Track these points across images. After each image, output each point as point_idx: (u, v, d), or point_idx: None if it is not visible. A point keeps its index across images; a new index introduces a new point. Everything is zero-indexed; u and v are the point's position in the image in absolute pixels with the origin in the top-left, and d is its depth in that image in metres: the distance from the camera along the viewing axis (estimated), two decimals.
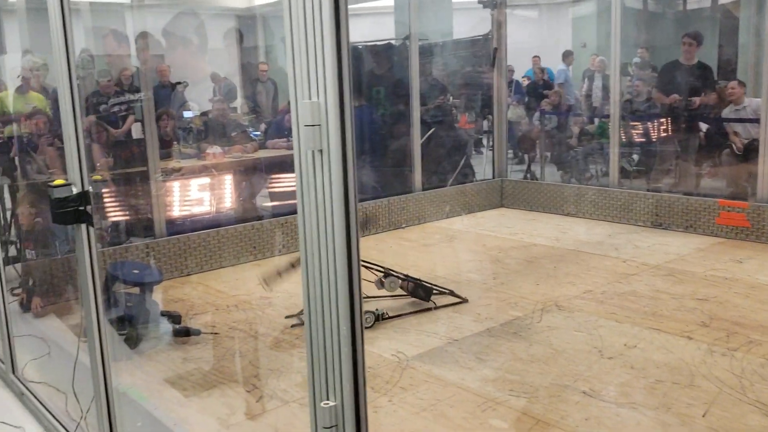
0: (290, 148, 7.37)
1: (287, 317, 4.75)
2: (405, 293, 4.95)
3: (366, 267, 4.70)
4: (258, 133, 8.37)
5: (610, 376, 3.72)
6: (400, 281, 4.87)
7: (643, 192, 7.25)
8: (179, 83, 7.51)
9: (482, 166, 9.26)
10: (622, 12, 7.58)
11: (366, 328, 4.43)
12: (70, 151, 2.73)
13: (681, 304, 4.77)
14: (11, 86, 6.73)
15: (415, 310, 4.83)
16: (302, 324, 4.53)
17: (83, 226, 2.76)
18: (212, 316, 4.91)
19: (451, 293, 5.03)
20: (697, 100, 7.26)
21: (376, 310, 4.67)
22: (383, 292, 4.83)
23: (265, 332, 4.56)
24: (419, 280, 4.98)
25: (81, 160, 2.73)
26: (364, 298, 4.58)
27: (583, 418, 3.31)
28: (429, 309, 4.85)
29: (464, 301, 4.97)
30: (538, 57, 11.51)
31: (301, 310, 4.59)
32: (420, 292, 4.91)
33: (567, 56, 11.51)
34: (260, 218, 6.62)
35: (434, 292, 4.96)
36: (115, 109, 6.42)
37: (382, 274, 4.81)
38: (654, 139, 7.96)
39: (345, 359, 1.58)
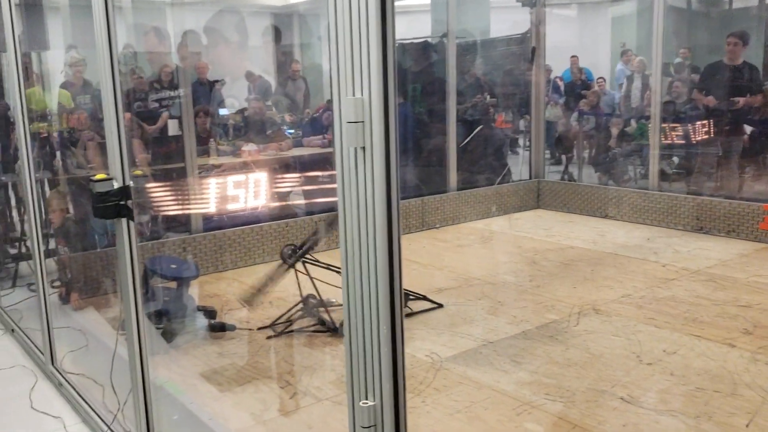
0: (325, 146, 7.40)
1: (260, 328, 4.57)
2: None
3: (328, 269, 4.49)
4: (291, 130, 8.40)
5: (649, 383, 3.65)
6: None
7: (683, 195, 7.11)
8: (217, 81, 7.56)
9: (518, 166, 9.18)
10: (665, 11, 7.45)
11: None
12: (112, 147, 2.75)
13: (723, 310, 4.67)
14: (54, 82, 6.83)
15: None
16: (277, 335, 4.43)
17: (123, 221, 2.78)
18: (247, 312, 4.92)
19: (425, 298, 4.91)
20: (740, 100, 7.10)
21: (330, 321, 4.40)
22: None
23: (299, 329, 4.56)
24: None
25: (122, 155, 2.75)
26: (330, 306, 4.50)
27: (620, 424, 3.25)
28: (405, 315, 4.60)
29: (439, 306, 4.87)
30: (577, 57, 11.37)
31: (275, 320, 4.52)
32: None
33: (625, 54, 11.25)
34: (295, 215, 6.63)
35: (410, 297, 4.81)
36: (154, 105, 6.48)
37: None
38: (695, 141, 7.81)
39: (385, 359, 1.56)
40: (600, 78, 10.95)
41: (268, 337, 4.46)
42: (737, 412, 3.32)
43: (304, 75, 9.40)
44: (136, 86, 6.60)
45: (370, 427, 1.58)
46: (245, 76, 9.55)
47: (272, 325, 4.57)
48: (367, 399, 1.59)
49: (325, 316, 4.43)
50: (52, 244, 5.89)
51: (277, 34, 10.82)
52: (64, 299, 5.29)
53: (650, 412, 3.35)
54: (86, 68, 6.62)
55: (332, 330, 4.38)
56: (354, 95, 1.50)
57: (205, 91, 7.38)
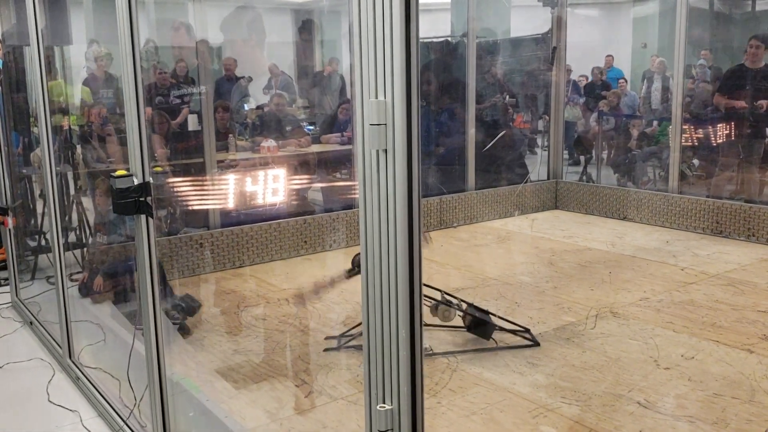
0: (344, 143, 7.38)
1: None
2: (462, 326, 4.26)
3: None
4: (311, 127, 8.40)
5: (666, 388, 3.62)
6: (456, 311, 4.19)
7: (703, 198, 7.05)
8: (243, 78, 7.60)
9: (537, 166, 9.14)
10: (688, 12, 7.38)
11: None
12: (133, 142, 2.76)
13: (742, 315, 4.62)
14: (77, 77, 6.87)
15: (462, 350, 4.13)
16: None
17: (143, 217, 2.79)
18: (263, 309, 4.94)
19: (525, 333, 4.23)
20: (764, 103, 7.01)
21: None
22: (435, 320, 4.22)
23: (315, 327, 4.57)
24: (484, 311, 4.25)
25: (143, 151, 2.76)
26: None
27: (637, 429, 3.23)
28: (487, 349, 4.12)
29: (536, 344, 4.17)
30: (612, 56, 11.35)
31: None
32: (479, 328, 4.18)
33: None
34: (312, 212, 6.64)
35: (497, 328, 4.21)
36: (176, 101, 6.51)
37: (439, 300, 4.20)
38: (716, 144, 7.74)
39: (403, 363, 1.55)
40: (621, 79, 10.89)
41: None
42: (755, 419, 3.29)
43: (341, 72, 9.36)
44: (158, 81, 6.62)
45: (387, 431, 1.57)
46: (269, 70, 9.54)
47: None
48: (384, 403, 1.59)
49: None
50: (72, 237, 5.93)
51: (308, 26, 10.78)
52: (83, 291, 5.30)
53: (667, 417, 3.33)
54: (111, 63, 6.66)
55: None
56: (377, 98, 1.49)
57: (231, 86, 7.43)
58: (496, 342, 4.18)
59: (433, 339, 4.28)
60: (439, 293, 4.29)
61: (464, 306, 4.28)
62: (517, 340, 4.22)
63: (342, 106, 7.98)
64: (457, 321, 4.28)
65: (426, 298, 4.16)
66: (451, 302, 4.26)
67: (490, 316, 4.27)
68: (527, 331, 4.26)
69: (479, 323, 4.19)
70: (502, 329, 4.24)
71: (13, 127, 6.40)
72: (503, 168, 8.23)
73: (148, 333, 2.95)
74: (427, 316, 4.20)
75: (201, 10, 6.89)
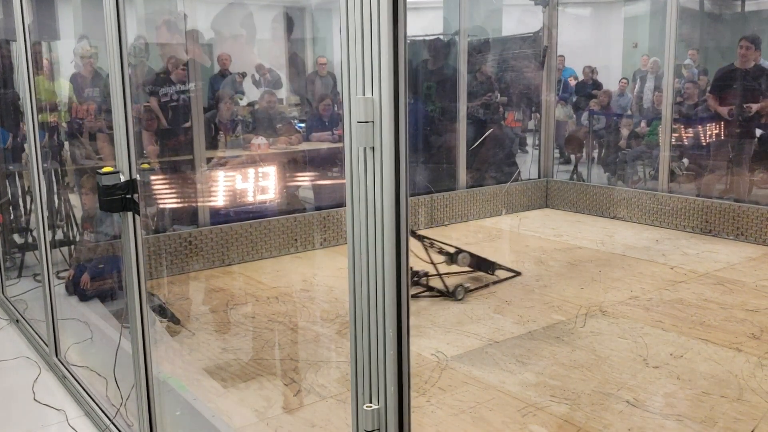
0: (335, 141, 7.35)
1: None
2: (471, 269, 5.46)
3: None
4: (302, 125, 8.37)
5: (655, 386, 3.63)
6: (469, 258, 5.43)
7: (692, 197, 7.07)
8: (238, 73, 7.58)
9: (527, 165, 9.14)
10: (678, 12, 7.40)
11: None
12: (119, 139, 2.74)
13: (730, 314, 4.63)
14: (65, 72, 6.82)
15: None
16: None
17: (129, 214, 2.77)
18: (252, 308, 4.92)
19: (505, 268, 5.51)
20: (753, 107, 7.02)
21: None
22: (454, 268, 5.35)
23: (304, 326, 4.55)
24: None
25: (129, 148, 2.73)
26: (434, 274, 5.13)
27: (626, 428, 3.23)
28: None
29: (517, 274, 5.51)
30: (563, 56, 11.24)
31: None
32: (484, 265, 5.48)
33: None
34: (303, 210, 6.62)
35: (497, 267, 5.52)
36: (167, 98, 6.47)
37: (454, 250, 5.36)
38: (706, 144, 7.76)
39: (390, 362, 1.54)
40: (624, 79, 10.88)
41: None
42: (743, 417, 3.29)
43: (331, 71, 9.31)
44: (147, 78, 6.57)
45: (373, 430, 1.56)
46: (255, 68, 9.51)
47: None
48: (371, 402, 1.58)
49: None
50: (59, 235, 5.89)
51: (289, 27, 10.74)
52: (70, 288, 5.27)
53: (656, 416, 3.33)
54: (97, 60, 6.61)
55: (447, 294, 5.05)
56: (364, 95, 1.48)
57: (225, 83, 7.40)
58: (498, 277, 5.49)
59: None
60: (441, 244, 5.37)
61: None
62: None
63: (323, 102, 7.90)
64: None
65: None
66: (449, 252, 5.39)
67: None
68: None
69: (481, 262, 5.50)
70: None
71: (1, 124, 6.36)
72: (491, 165, 8.22)
73: (134, 331, 2.93)
74: (444, 267, 5.29)
75: (191, 6, 6.85)
